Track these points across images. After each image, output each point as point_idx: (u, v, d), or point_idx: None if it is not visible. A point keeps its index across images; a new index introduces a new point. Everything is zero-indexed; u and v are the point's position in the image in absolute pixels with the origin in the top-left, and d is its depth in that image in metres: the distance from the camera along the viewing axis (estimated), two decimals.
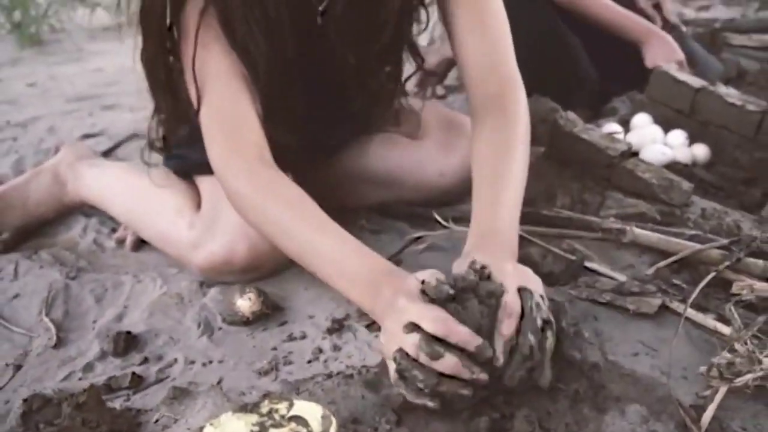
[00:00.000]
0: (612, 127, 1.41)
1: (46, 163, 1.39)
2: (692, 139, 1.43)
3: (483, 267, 0.77)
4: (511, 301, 0.73)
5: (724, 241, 0.94)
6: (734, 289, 0.83)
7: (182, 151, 1.15)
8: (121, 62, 2.64)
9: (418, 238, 1.10)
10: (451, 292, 0.73)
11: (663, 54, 1.61)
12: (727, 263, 0.89)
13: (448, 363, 0.69)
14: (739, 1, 3.11)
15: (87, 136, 1.86)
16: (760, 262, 0.91)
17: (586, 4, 1.70)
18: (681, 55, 1.62)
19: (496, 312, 0.73)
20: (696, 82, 1.47)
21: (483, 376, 0.70)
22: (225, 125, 0.94)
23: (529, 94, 1.03)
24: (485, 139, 0.98)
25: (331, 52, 1.04)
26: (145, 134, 1.20)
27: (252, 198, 0.92)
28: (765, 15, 2.57)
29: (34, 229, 1.32)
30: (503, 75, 1.02)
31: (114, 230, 1.30)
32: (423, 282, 0.75)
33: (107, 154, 1.70)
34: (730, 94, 1.44)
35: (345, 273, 0.84)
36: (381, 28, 1.01)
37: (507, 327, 0.71)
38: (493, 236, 0.86)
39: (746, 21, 2.38)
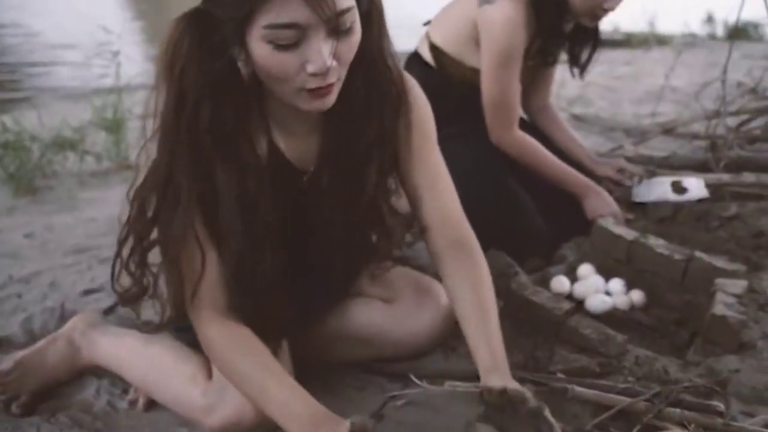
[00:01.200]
0: (560, 281, 1.63)
1: (60, 330, 1.55)
2: (630, 285, 1.65)
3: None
4: None
5: (648, 395, 1.15)
6: None
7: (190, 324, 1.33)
8: (111, 211, 2.81)
9: (396, 395, 1.28)
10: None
11: (600, 208, 1.86)
12: (650, 415, 1.09)
13: None
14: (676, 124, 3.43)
15: (88, 292, 2.01)
16: (678, 410, 1.11)
17: (531, 160, 1.96)
18: (616, 209, 1.87)
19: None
20: (629, 234, 1.71)
21: None
22: (200, 286, 1.13)
23: (484, 250, 1.25)
24: (459, 280, 1.21)
25: (315, 220, 1.24)
26: None
27: (220, 348, 1.13)
28: (691, 153, 2.88)
29: (50, 391, 1.47)
30: (459, 224, 1.27)
31: (125, 391, 1.45)
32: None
33: (108, 312, 1.86)
34: (659, 244, 1.68)
35: (291, 414, 1.05)
36: (361, 192, 1.22)
37: None
38: (499, 369, 1.10)
39: (678, 158, 2.67)
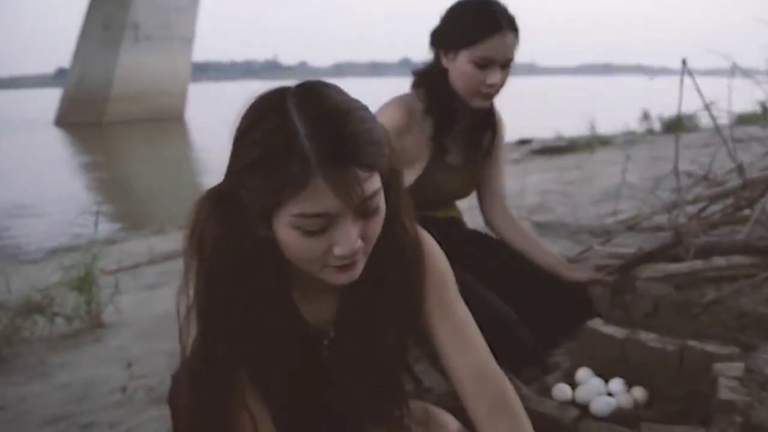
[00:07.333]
0: (562, 388, 1.60)
1: None
2: (631, 382, 1.63)
3: None
4: None
5: None
6: None
7: None
8: (85, 375, 2.72)
9: None
10: None
11: None
12: None
13: None
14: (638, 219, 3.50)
15: None
16: None
17: None
18: None
19: None
20: (620, 332, 1.70)
21: None
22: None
23: None
24: None
25: (334, 383, 1.19)
26: None
27: None
28: (657, 245, 2.93)
29: None
30: (494, 377, 1.17)
31: None
32: None
33: None
34: (651, 338, 1.68)
35: None
36: (381, 352, 1.17)
37: None
38: None
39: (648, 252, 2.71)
